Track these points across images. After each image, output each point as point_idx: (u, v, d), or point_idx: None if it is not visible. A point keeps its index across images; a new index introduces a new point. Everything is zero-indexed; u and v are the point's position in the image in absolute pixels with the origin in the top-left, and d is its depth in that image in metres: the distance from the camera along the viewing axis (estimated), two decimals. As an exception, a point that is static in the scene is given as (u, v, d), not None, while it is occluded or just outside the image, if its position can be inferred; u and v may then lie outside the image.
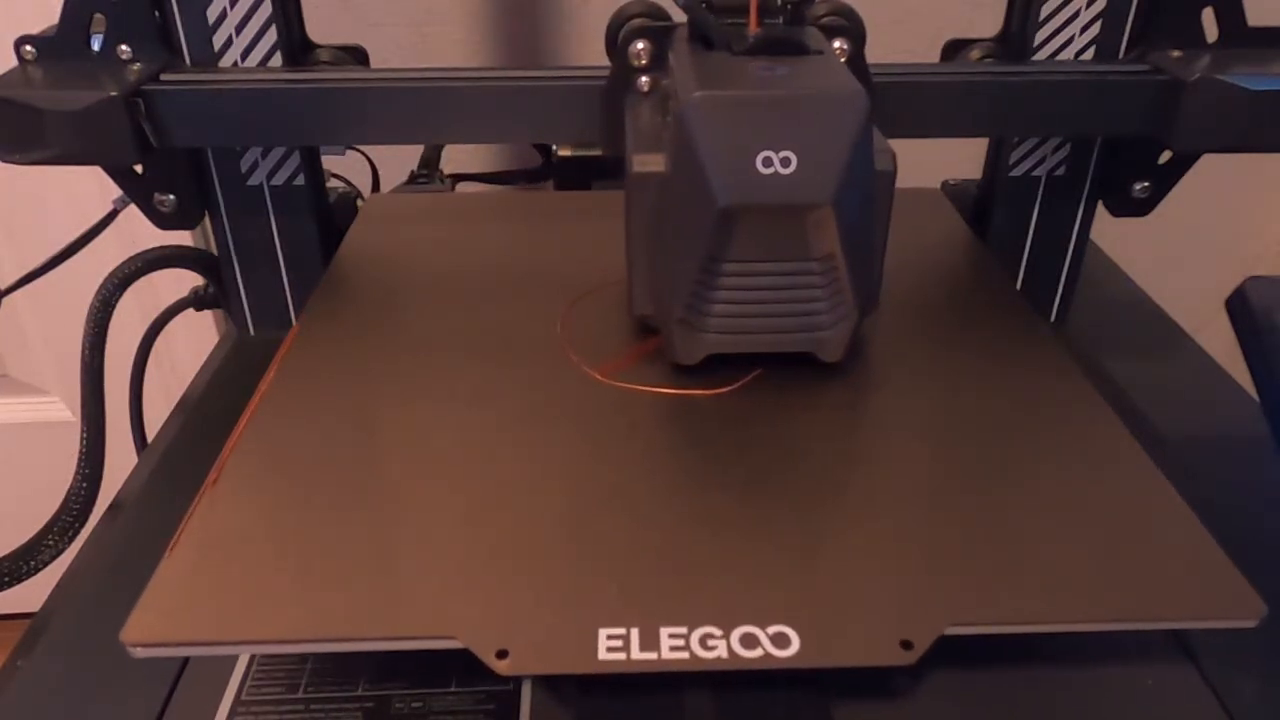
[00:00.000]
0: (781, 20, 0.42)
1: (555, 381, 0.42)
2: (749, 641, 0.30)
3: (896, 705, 0.33)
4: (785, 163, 0.36)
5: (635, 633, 0.30)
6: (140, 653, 0.30)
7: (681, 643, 0.30)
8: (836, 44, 0.43)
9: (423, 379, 0.42)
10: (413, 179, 0.68)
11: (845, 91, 0.37)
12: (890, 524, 0.35)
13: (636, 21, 0.43)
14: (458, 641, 0.30)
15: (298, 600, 0.31)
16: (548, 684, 0.33)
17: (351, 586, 0.32)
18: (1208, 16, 0.48)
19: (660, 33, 0.43)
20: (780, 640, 0.30)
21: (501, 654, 0.29)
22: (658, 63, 0.43)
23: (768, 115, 0.36)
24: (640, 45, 0.43)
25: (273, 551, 0.33)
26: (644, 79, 0.43)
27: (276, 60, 0.48)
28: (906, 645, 0.30)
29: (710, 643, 0.30)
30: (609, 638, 0.30)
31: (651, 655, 0.29)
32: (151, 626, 0.30)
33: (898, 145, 0.50)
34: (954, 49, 0.54)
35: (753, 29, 0.40)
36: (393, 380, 0.42)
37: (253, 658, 0.34)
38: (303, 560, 0.33)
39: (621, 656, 0.29)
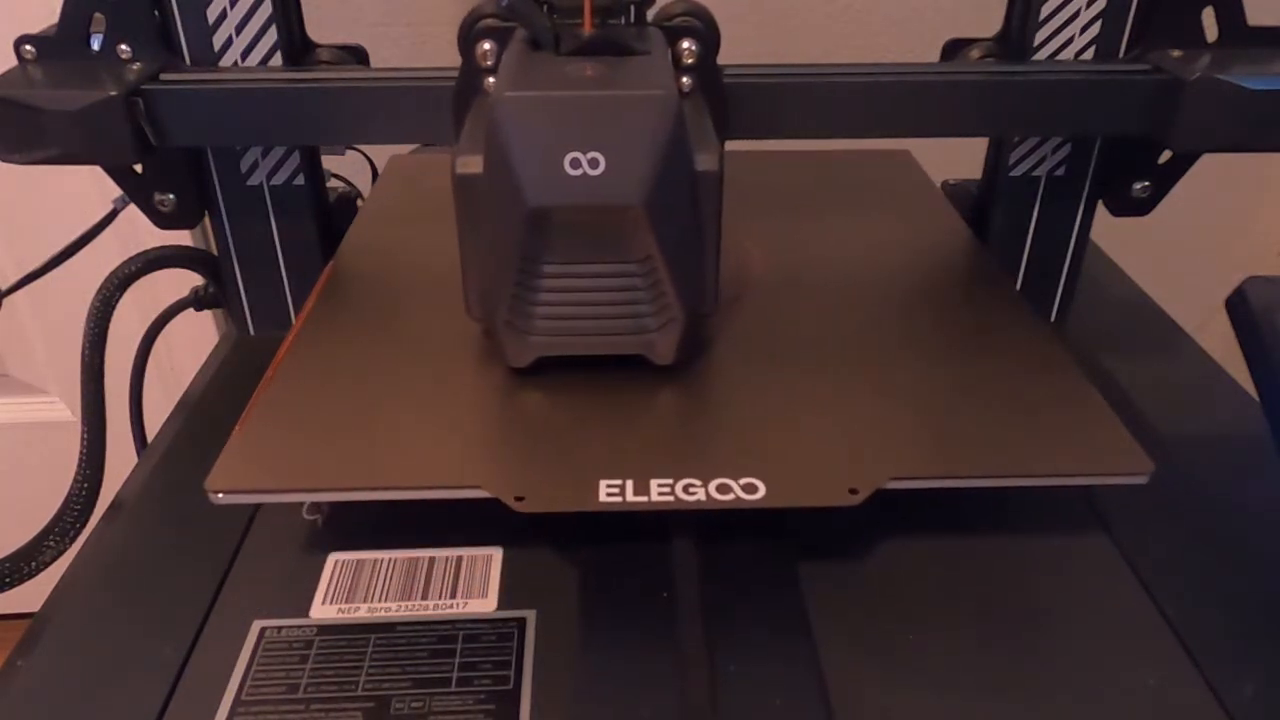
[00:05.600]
0: (624, 21, 0.41)
1: None
2: (723, 489, 0.35)
3: (850, 563, 0.38)
4: (594, 164, 0.36)
5: (629, 483, 0.35)
6: (222, 499, 0.35)
7: (668, 489, 0.35)
8: (685, 45, 0.42)
9: (449, 306, 0.45)
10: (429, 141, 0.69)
11: (653, 92, 0.36)
12: (844, 404, 0.41)
13: (486, 22, 0.42)
14: (483, 491, 0.35)
15: (350, 460, 0.37)
16: (547, 681, 0.33)
17: (394, 451, 0.38)
18: (1208, 16, 0.48)
19: (505, 33, 0.42)
20: (749, 488, 0.35)
21: (519, 499, 0.34)
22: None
23: (575, 115, 0.36)
24: (486, 46, 0.42)
25: (326, 425, 0.39)
26: (490, 80, 0.42)
27: (276, 60, 0.48)
28: (853, 492, 0.35)
29: (691, 490, 0.35)
30: (608, 485, 0.35)
31: (643, 499, 0.35)
32: (229, 478, 0.36)
33: (899, 145, 0.51)
34: (954, 49, 0.54)
35: (587, 29, 0.40)
36: (425, 300, 0.48)
37: (253, 656, 0.34)
38: (353, 431, 0.39)
39: (618, 499, 0.35)
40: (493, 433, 0.39)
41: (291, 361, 0.43)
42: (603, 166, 0.36)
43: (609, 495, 0.35)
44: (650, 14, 0.43)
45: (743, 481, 0.35)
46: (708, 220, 0.39)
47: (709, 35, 0.43)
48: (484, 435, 0.39)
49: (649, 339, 0.41)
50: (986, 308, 0.47)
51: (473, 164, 0.38)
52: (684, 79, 0.43)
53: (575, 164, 0.36)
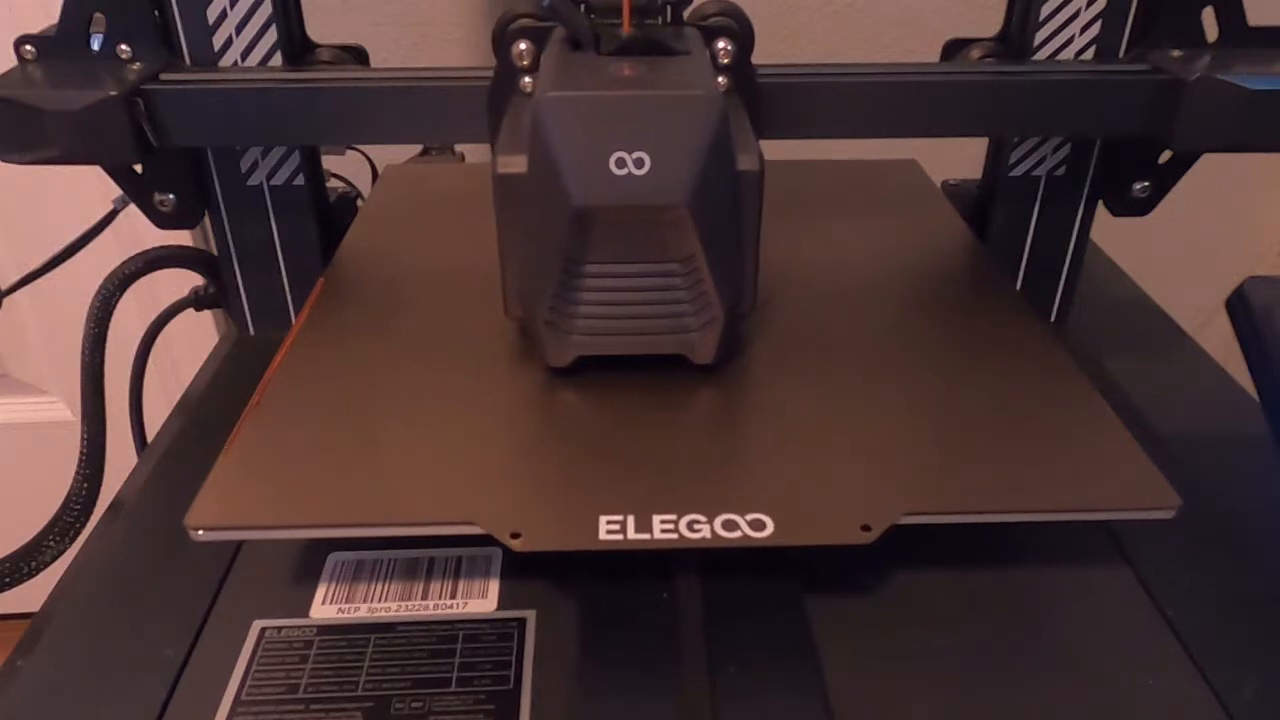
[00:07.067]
0: (661, 21, 0.42)
1: None
2: (730, 526, 0.34)
3: (858, 598, 0.37)
4: (639, 163, 0.36)
5: (631, 519, 0.34)
6: (203, 536, 0.33)
7: (671, 526, 0.34)
8: (721, 45, 0.42)
9: (444, 319, 0.46)
10: (425, 151, 0.69)
11: (698, 92, 0.37)
12: (855, 427, 0.39)
13: (521, 21, 0.43)
14: (477, 527, 0.33)
15: (337, 494, 0.35)
16: (547, 681, 0.33)
17: (384, 484, 0.36)
18: (1208, 16, 0.48)
19: (542, 33, 0.42)
20: (756, 525, 0.34)
21: (515, 535, 0.33)
22: (539, 63, 0.43)
23: (620, 115, 0.36)
24: (523, 46, 0.42)
25: (312, 456, 0.37)
26: (526, 79, 0.42)
27: (276, 60, 0.48)
28: (866, 528, 0.33)
29: (696, 527, 0.34)
30: (608, 522, 0.34)
31: (645, 536, 0.33)
32: (210, 514, 0.34)
33: (900, 145, 0.51)
34: (954, 49, 0.54)
35: (625, 29, 0.40)
36: (417, 319, 0.46)
37: (253, 656, 0.34)
38: (339, 463, 0.37)
39: (619, 537, 0.33)
40: (489, 458, 0.38)
41: (278, 383, 0.42)
42: (648, 166, 0.36)
43: (609, 533, 0.33)
44: (685, 14, 0.43)
45: (750, 518, 0.34)
46: (749, 220, 0.39)
47: (744, 35, 0.43)
48: (480, 461, 0.37)
49: (689, 339, 0.41)
50: (1004, 327, 0.46)
51: (515, 164, 0.37)
52: (720, 79, 0.43)
53: (620, 164, 0.36)
